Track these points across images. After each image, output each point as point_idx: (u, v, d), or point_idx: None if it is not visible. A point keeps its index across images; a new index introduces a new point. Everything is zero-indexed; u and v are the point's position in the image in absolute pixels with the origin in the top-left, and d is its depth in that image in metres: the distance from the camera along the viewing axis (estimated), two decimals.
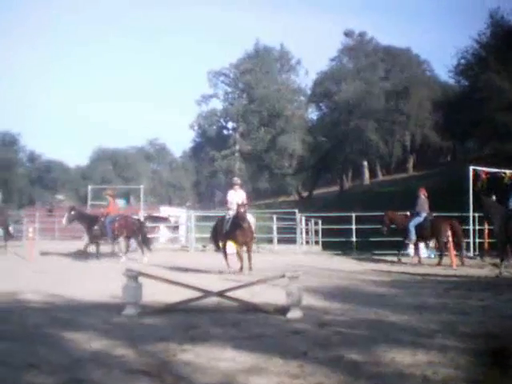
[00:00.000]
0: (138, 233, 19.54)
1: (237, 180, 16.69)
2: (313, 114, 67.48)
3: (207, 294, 9.19)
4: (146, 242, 19.65)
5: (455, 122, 46.73)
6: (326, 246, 24.88)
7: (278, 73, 66.70)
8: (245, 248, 15.19)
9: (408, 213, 20.04)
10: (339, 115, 57.87)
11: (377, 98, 55.09)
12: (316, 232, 26.47)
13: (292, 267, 13.17)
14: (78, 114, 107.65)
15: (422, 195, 19.47)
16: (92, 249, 19.70)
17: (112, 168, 65.95)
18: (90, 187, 31.60)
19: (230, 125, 67.01)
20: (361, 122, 55.00)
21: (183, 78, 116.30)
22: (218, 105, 66.69)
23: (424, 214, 19.09)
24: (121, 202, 39.57)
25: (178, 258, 19.76)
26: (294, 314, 8.35)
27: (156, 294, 9.75)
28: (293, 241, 25.46)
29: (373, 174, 64.35)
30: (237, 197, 15.44)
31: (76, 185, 63.23)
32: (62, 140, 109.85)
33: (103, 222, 19.25)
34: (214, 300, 9.24)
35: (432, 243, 21.23)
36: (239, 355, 6.14)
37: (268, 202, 54.86)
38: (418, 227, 18.89)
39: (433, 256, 20.91)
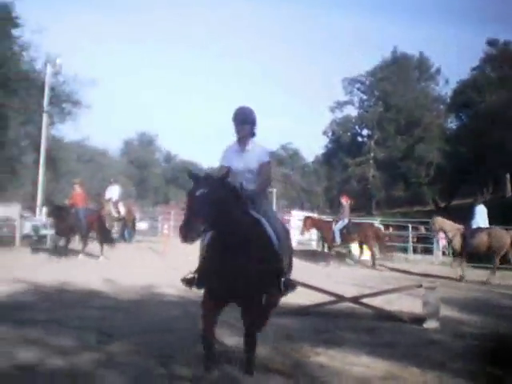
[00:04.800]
0: (105, 229, 18.39)
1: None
2: (452, 123, 65.35)
3: (341, 298, 9.07)
4: (108, 240, 18.13)
5: None
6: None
7: (417, 81, 65.20)
8: None
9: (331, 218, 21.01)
10: (481, 125, 55.61)
11: None
12: None
13: (429, 277, 12.77)
14: (212, 117, 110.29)
15: (344, 202, 20.15)
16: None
17: None
18: None
19: (365, 132, 66.33)
20: (504, 133, 52.53)
21: (318, 84, 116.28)
22: (352, 112, 66.23)
23: (346, 220, 19.82)
24: None
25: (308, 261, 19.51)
26: (430, 324, 8.10)
27: (288, 296, 9.76)
28: (429, 251, 24.71)
29: None
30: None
31: None
32: (197, 142, 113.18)
33: (76, 215, 17.12)
34: (347, 305, 9.10)
35: None
36: (374, 362, 6.02)
37: (403, 211, 53.72)
38: (344, 230, 19.53)
39: None
